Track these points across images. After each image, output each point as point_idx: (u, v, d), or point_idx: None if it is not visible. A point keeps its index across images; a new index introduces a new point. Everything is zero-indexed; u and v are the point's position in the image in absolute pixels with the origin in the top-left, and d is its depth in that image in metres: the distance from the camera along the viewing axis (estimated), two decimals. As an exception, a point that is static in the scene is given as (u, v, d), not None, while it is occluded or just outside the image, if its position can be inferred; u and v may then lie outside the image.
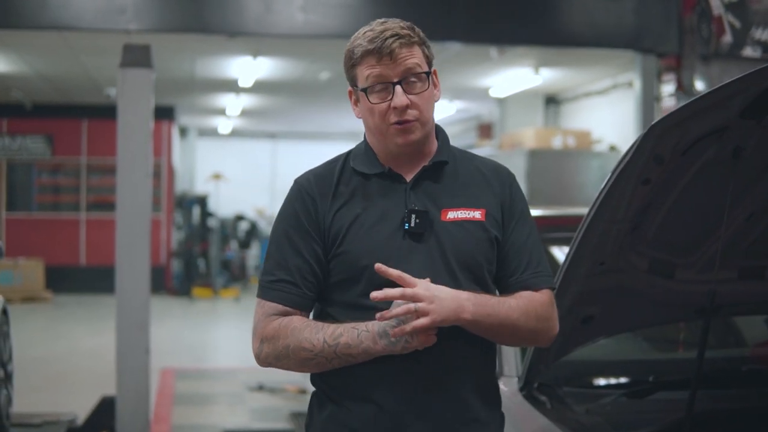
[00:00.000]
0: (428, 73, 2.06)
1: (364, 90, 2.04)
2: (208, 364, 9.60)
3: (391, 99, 2.03)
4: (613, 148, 10.58)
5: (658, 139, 2.18)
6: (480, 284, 2.06)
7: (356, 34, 2.08)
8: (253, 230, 17.76)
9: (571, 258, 2.36)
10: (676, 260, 2.61)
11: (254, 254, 18.06)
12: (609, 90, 11.68)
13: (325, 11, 7.30)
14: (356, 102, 2.12)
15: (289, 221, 2.10)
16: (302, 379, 6.44)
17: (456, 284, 2.00)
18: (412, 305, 1.90)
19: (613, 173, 2.24)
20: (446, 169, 2.12)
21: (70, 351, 9.98)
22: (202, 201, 16.21)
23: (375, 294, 1.93)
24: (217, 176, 18.00)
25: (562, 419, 2.56)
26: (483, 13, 7.57)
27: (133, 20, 7.06)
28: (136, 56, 5.75)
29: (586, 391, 2.83)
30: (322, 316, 2.09)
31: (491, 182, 2.12)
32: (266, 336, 2.04)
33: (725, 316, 3.24)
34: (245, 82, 12.19)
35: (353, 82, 2.09)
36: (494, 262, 2.08)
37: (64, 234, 15.71)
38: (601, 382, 2.99)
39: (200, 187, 19.00)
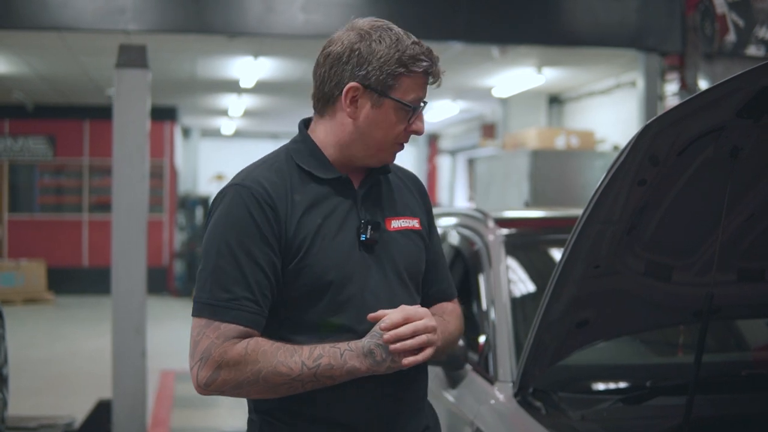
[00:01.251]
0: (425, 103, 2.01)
1: (406, 104, 1.93)
2: (209, 365, 9.53)
3: (411, 123, 1.95)
4: (616, 148, 10.52)
5: (653, 139, 2.12)
6: (419, 292, 2.07)
7: (407, 40, 1.93)
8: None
9: (566, 260, 2.30)
10: (674, 262, 2.56)
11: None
12: (612, 89, 11.62)
13: (326, 11, 7.25)
14: (354, 101, 1.94)
15: (244, 230, 1.87)
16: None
17: (409, 295, 2.01)
18: (424, 337, 1.86)
19: (607, 173, 2.18)
20: (384, 177, 2.08)
21: (71, 353, 9.95)
22: (205, 202, 16.19)
23: (388, 336, 1.84)
24: (219, 177, 17.98)
25: (557, 426, 2.50)
26: (485, 13, 7.52)
27: (132, 21, 7.02)
28: (132, 57, 5.71)
29: (582, 396, 2.78)
30: (272, 339, 1.90)
31: (412, 190, 2.13)
32: (227, 362, 1.82)
33: (724, 319, 3.18)
34: (247, 82, 12.16)
35: (382, 85, 1.92)
36: None
37: (66, 235, 15.70)
38: (598, 387, 2.94)
39: (203, 187, 18.99)
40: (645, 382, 2.79)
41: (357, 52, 1.92)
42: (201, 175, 19.53)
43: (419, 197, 2.13)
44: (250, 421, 2.03)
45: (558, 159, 9.88)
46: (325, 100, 1.99)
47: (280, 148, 2.06)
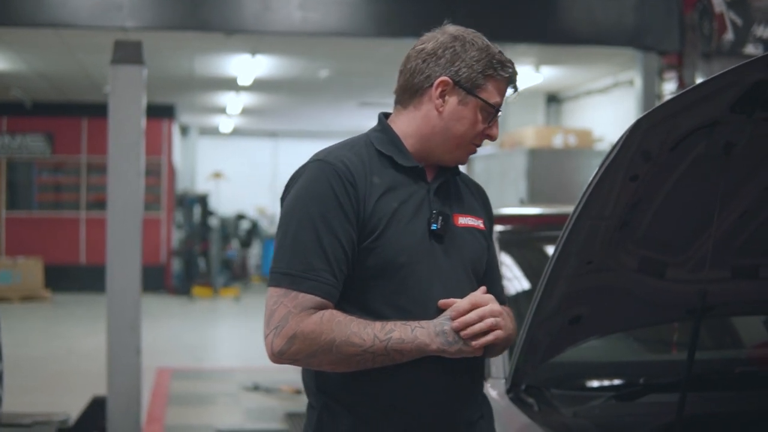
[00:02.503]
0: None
1: (490, 105, 2.04)
2: (205, 363, 9.54)
3: (489, 126, 2.06)
4: (614, 147, 10.50)
5: (645, 134, 2.11)
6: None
7: (494, 48, 2.06)
8: (254, 229, 17.74)
9: (557, 256, 2.29)
10: (667, 259, 2.54)
11: (255, 253, 18.06)
12: (610, 88, 11.61)
13: (324, 9, 7.23)
14: (443, 94, 2.04)
15: (325, 204, 1.94)
16: (298, 380, 6.33)
17: (473, 288, 2.04)
18: (491, 320, 1.93)
19: (599, 169, 2.17)
20: (453, 178, 2.15)
21: (67, 350, 9.94)
22: (203, 200, 16.18)
23: (456, 323, 1.91)
24: (217, 175, 17.97)
25: (548, 422, 2.50)
26: (483, 11, 7.49)
27: (129, 17, 7.00)
28: (128, 53, 5.68)
29: (575, 393, 2.77)
30: None
31: (476, 197, 2.20)
32: (302, 331, 1.88)
33: (718, 317, 3.17)
34: (244, 80, 12.14)
35: (472, 84, 2.03)
36: None
37: (64, 233, 15.68)
38: (591, 384, 2.93)
39: (201, 185, 18.96)
40: (638, 380, 2.78)
41: (451, 50, 2.05)
42: (199, 173, 19.49)
43: (483, 205, 2.21)
44: (309, 408, 2.06)
45: (556, 158, 9.88)
46: (412, 91, 2.08)
47: (360, 135, 2.12)
